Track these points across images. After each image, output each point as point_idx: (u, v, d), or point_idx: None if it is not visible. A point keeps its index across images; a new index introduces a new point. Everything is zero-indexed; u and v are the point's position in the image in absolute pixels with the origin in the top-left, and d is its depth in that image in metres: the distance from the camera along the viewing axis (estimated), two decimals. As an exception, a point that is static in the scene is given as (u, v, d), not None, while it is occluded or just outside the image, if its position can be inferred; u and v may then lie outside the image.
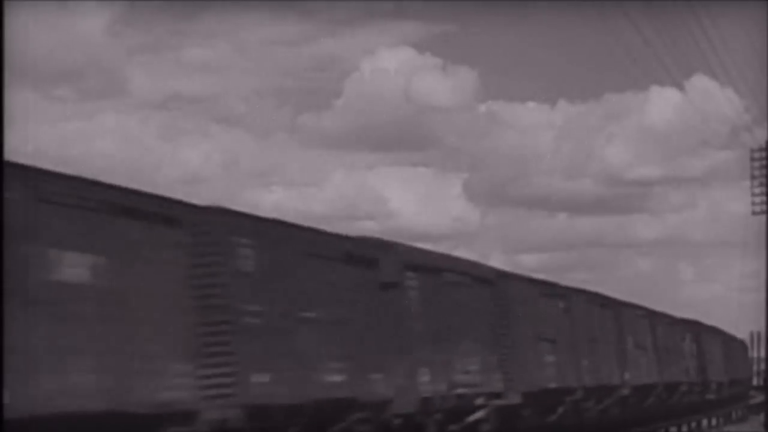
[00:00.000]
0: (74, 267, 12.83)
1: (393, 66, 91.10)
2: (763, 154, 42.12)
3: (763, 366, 58.40)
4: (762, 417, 42.87)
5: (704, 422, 43.27)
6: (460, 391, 22.63)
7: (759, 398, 53.37)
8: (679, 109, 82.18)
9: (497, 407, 24.32)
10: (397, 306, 20.35)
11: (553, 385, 28.10)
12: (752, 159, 42.46)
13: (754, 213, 42.15)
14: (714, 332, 52.27)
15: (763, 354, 55.56)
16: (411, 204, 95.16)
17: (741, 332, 61.33)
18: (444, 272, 22.64)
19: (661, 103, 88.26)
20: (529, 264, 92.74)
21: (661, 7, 34.14)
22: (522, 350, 25.93)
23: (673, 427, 38.63)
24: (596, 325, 32.40)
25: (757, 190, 41.99)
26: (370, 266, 19.49)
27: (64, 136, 76.17)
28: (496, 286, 25.00)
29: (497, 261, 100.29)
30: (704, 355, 47.52)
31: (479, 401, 23.72)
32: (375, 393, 19.07)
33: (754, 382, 65.31)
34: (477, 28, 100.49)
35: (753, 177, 42.27)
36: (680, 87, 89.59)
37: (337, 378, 17.99)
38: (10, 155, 11.66)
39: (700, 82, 53.86)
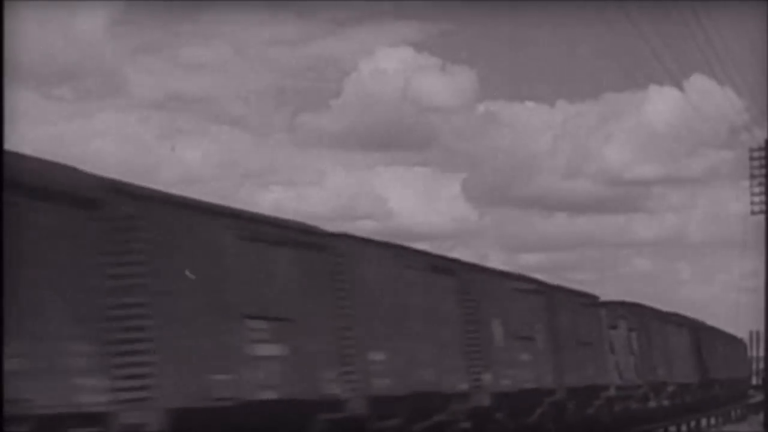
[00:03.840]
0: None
1: (392, 66, 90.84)
2: (763, 153, 42.06)
3: (762, 365, 58.40)
4: (761, 416, 42.87)
5: (703, 421, 43.27)
6: (523, 386, 26.15)
7: (758, 397, 53.36)
8: (678, 108, 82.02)
9: (550, 402, 28.05)
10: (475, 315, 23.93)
11: (590, 382, 31.71)
12: (752, 158, 42.34)
13: (753, 213, 42.02)
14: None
15: (762, 353, 55.52)
16: (410, 204, 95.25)
17: (740, 332, 61.41)
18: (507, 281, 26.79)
19: (660, 103, 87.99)
20: (528, 263, 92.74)
21: (660, 6, 34.15)
22: (566, 352, 29.77)
23: (673, 427, 38.66)
24: (629, 331, 36.41)
25: (757, 190, 41.87)
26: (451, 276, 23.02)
27: (63, 135, 76.05)
28: (545, 294, 28.79)
29: (496, 260, 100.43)
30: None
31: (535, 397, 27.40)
32: (456, 388, 22.54)
33: (753, 381, 65.31)
34: (475, 27, 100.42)
35: (752, 177, 42.17)
36: (679, 86, 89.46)
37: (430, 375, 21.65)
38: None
39: (699, 82, 53.77)
